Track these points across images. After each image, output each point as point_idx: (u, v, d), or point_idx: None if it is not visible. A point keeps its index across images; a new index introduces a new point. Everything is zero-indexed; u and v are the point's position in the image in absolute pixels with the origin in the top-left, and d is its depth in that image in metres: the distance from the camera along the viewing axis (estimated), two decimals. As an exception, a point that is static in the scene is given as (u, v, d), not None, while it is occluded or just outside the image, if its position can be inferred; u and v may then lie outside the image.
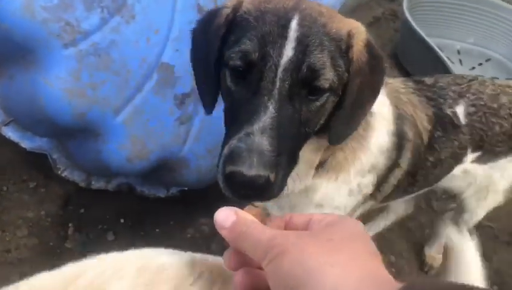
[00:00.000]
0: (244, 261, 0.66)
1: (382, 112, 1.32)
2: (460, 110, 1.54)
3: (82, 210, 2.18)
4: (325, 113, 1.02)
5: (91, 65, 1.59)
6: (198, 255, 0.75)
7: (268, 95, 0.89)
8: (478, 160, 1.67)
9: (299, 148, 1.00)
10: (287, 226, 0.67)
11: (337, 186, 1.26)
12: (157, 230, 2.21)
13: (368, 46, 1.02)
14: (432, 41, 3.14)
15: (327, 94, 0.97)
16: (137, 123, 1.77)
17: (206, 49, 1.03)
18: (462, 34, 3.76)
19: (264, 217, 0.75)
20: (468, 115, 1.55)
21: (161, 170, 1.95)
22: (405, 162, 1.40)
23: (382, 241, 2.38)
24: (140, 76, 1.71)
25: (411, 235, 2.52)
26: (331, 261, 0.52)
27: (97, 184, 2.17)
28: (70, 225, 2.11)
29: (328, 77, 0.93)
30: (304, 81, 0.92)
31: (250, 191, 0.82)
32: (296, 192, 1.21)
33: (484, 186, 1.78)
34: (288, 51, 0.90)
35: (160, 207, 2.29)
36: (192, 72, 1.12)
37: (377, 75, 1.06)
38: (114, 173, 1.92)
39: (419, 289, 0.46)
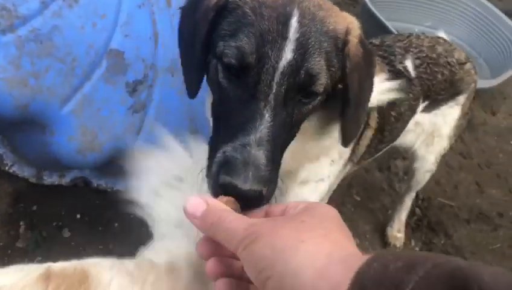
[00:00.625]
0: (216, 249, 0.67)
1: None
2: (409, 63, 1.65)
3: (34, 207, 2.07)
4: (312, 112, 1.00)
5: (32, 52, 1.49)
6: (60, 265, 0.67)
7: (264, 101, 0.86)
8: (425, 109, 1.79)
9: (285, 149, 0.97)
10: (266, 216, 0.68)
11: (319, 163, 1.26)
12: (116, 225, 2.13)
13: (361, 40, 1.01)
14: (390, 25, 3.17)
15: (320, 97, 0.96)
16: (87, 113, 1.68)
17: (193, 32, 0.98)
18: (420, 18, 3.84)
19: (237, 204, 0.75)
20: (416, 67, 1.66)
21: (116, 161, 1.87)
22: (373, 121, 1.45)
23: (346, 223, 2.39)
24: (87, 63, 1.62)
25: (374, 217, 2.54)
26: (303, 237, 0.54)
27: (49, 179, 2.06)
28: (21, 223, 2.00)
29: (323, 81, 0.91)
30: (300, 86, 0.89)
31: (242, 203, 0.79)
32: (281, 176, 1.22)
33: (430, 132, 1.92)
34: (288, 54, 0.86)
35: (120, 200, 2.21)
36: (179, 55, 1.07)
37: (371, 68, 1.06)
38: (65, 166, 1.83)
39: (384, 260, 0.48)
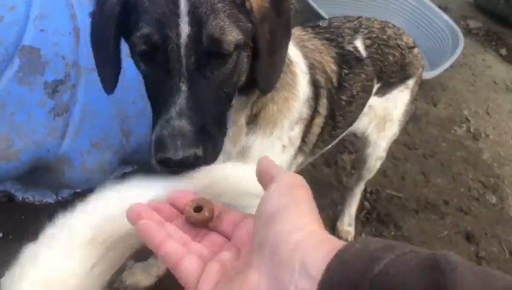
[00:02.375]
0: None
1: (298, 62, 1.36)
2: (359, 43, 1.63)
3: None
4: (241, 69, 1.03)
5: None
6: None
7: (178, 75, 0.90)
8: (377, 92, 1.79)
9: (225, 112, 1.02)
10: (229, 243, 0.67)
11: (271, 143, 1.29)
12: (45, 241, 1.94)
13: None
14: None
15: (235, 53, 0.98)
16: (-2, 118, 1.50)
17: (102, 29, 1.02)
18: (359, 13, 3.86)
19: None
20: (366, 47, 1.65)
21: (39, 171, 1.69)
22: (323, 107, 1.46)
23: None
24: (-4, 62, 1.44)
25: (324, 212, 2.49)
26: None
27: (-36, 196, 1.85)
28: None
29: (229, 39, 0.94)
30: (208, 51, 0.93)
31: (184, 170, 0.83)
32: (234, 155, 1.25)
33: (382, 117, 1.90)
34: (184, 28, 0.90)
35: (50, 214, 2.01)
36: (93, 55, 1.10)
37: (284, 16, 1.07)
38: (-23, 179, 1.63)
39: (366, 241, 0.51)
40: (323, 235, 0.55)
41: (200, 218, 0.69)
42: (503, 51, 4.75)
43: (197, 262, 0.62)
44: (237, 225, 0.68)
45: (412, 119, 3.22)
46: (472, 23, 5.01)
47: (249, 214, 0.69)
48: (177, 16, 0.90)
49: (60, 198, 2.02)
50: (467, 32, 4.86)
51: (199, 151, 0.85)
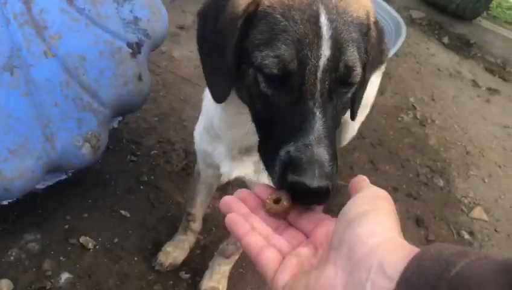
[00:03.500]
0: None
1: None
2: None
3: None
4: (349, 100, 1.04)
5: None
6: None
7: (312, 100, 0.89)
8: None
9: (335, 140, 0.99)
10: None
11: None
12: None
13: (376, 22, 1.05)
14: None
15: (356, 84, 0.99)
16: None
17: (219, 39, 1.00)
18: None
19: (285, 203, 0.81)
20: None
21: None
22: None
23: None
24: None
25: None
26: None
27: None
28: None
29: (359, 70, 0.94)
30: (341, 79, 0.92)
31: (311, 200, 0.82)
32: None
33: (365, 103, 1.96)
34: (326, 51, 0.89)
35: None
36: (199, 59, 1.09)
37: (382, 46, 1.10)
38: None
39: (439, 247, 0.54)
40: (401, 241, 0.59)
41: (279, 209, 0.79)
42: (446, 39, 4.89)
43: (275, 254, 0.70)
44: (317, 225, 0.75)
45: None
46: (415, 14, 5.13)
47: (328, 216, 0.77)
48: (320, 38, 0.88)
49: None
50: (411, 22, 4.97)
51: (330, 185, 0.82)
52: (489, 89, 4.33)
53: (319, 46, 0.88)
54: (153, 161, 2.40)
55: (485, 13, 5.18)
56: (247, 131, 1.12)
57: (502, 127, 3.86)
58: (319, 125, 0.87)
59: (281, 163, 0.87)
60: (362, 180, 0.74)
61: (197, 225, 1.92)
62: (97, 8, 1.78)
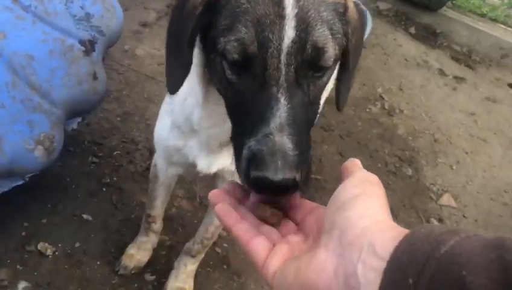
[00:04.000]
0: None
1: None
2: None
3: None
4: (327, 84, 0.97)
5: None
6: None
7: (276, 85, 0.82)
8: None
9: (310, 129, 0.92)
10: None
11: None
12: None
13: (357, 4, 0.99)
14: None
15: (331, 67, 0.93)
16: None
17: (180, 29, 0.96)
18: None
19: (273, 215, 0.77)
20: None
21: None
22: None
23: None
24: None
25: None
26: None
27: None
28: None
29: (331, 51, 0.87)
30: (309, 61, 0.85)
31: (279, 194, 0.78)
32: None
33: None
34: (289, 32, 0.82)
35: None
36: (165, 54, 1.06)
37: (363, 29, 1.04)
38: None
39: (430, 227, 0.55)
40: (391, 223, 0.60)
41: (271, 220, 0.77)
42: (412, 30, 4.94)
43: (266, 242, 0.70)
44: (306, 213, 0.75)
45: (328, 101, 3.23)
46: (382, 5, 5.16)
47: (318, 204, 0.77)
48: (282, 17, 0.82)
49: None
50: (378, 13, 5.00)
51: (298, 176, 0.76)
52: (455, 77, 4.40)
53: (281, 27, 0.82)
54: (116, 162, 2.34)
55: (450, 3, 5.24)
56: (228, 126, 1.06)
57: (469, 114, 3.93)
58: (282, 112, 0.81)
59: (245, 158, 0.82)
60: (353, 164, 0.73)
61: (158, 226, 1.87)
62: (44, 5, 1.71)
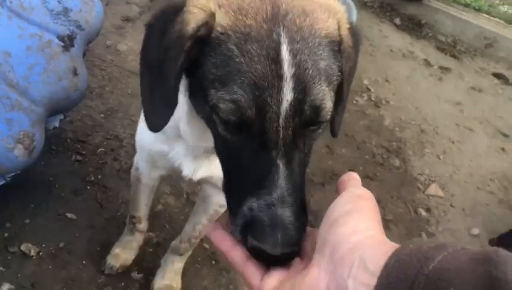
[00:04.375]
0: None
1: None
2: None
3: None
4: (322, 133, 0.93)
5: None
6: None
7: (275, 149, 0.79)
8: None
9: (305, 174, 0.87)
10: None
11: None
12: None
13: (351, 27, 0.92)
14: None
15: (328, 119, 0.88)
16: None
17: (163, 59, 0.86)
18: None
19: None
20: None
21: None
22: None
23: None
24: None
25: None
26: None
27: None
28: None
29: (328, 106, 0.83)
30: (307, 120, 0.81)
31: (274, 263, 0.75)
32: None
33: None
34: (288, 95, 0.77)
35: None
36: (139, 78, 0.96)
37: (358, 52, 0.98)
38: None
39: (419, 242, 0.56)
40: (382, 238, 0.61)
41: None
42: (397, 21, 4.95)
43: (260, 265, 0.73)
44: (304, 238, 0.76)
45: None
46: (367, -3, 5.16)
47: (315, 229, 0.75)
48: (280, 78, 0.77)
49: None
50: (363, 5, 5.00)
51: (296, 249, 0.75)
52: (441, 67, 4.42)
53: (279, 89, 0.77)
54: (100, 160, 2.30)
55: (434, -7, 5.27)
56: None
57: (455, 104, 3.95)
58: (282, 181, 0.78)
59: (244, 219, 0.79)
60: (350, 179, 0.74)
61: (143, 226, 1.84)
62: (20, 0, 1.66)
